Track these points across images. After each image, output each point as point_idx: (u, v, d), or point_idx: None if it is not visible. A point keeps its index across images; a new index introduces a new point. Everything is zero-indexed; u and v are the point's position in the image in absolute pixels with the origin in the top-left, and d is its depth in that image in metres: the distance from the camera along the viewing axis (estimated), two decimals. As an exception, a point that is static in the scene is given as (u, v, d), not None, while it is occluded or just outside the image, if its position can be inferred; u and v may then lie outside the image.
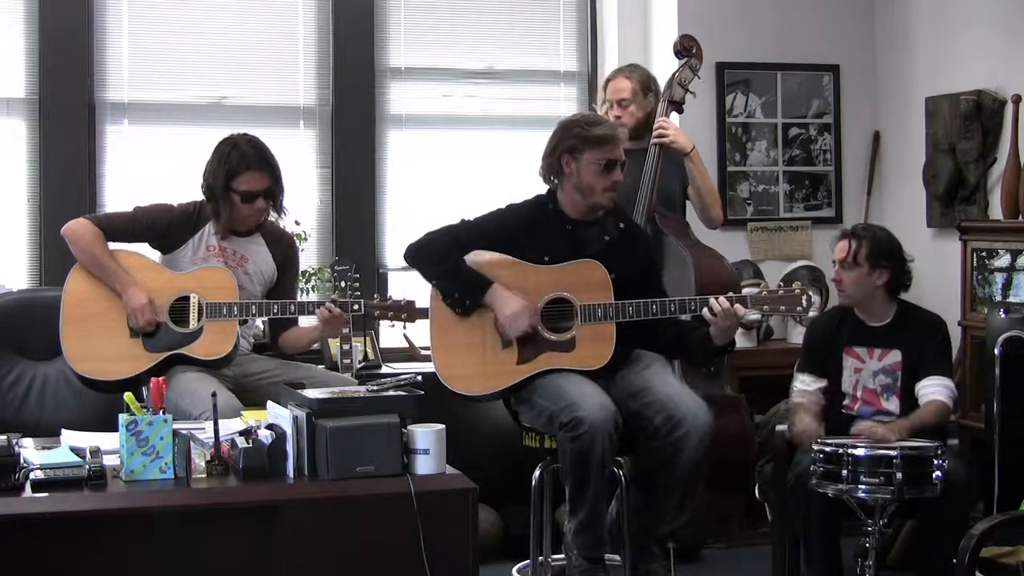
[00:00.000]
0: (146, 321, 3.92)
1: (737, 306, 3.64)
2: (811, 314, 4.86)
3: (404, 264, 5.23)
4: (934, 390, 4.01)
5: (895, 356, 4.11)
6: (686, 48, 4.63)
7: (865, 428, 3.78)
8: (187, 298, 3.97)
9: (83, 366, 3.95)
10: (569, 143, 3.80)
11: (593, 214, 3.85)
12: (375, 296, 4.15)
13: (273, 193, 4.06)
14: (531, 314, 3.72)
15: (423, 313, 3.98)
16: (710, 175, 5.16)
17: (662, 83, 4.68)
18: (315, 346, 4.75)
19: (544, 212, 3.86)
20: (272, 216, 4.18)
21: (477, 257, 3.80)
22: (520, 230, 3.83)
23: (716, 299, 3.66)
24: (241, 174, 4.00)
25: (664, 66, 4.79)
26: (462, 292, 3.76)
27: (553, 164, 3.84)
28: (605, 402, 3.55)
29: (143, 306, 3.92)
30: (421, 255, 3.86)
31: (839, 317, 4.24)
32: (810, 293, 3.71)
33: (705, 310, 3.65)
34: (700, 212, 4.69)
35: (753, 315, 3.79)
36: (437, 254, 3.82)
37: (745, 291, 5.03)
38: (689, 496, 3.69)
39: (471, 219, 3.89)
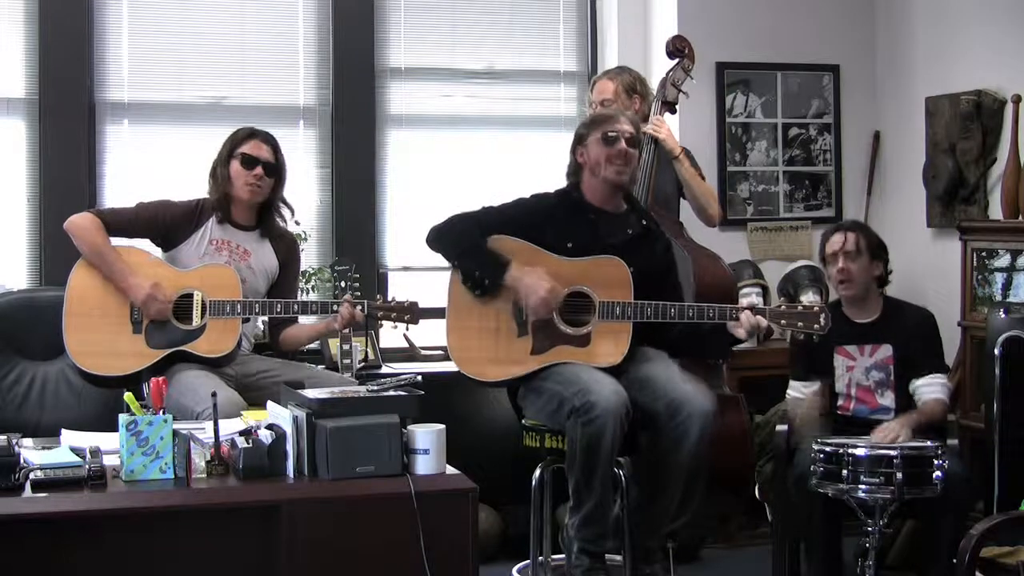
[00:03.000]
0: (157, 310, 3.93)
1: (759, 317, 3.69)
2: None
3: (404, 264, 5.29)
4: (932, 388, 4.04)
5: (886, 351, 4.13)
6: (678, 49, 4.65)
7: (882, 438, 3.77)
8: (190, 295, 3.97)
9: (85, 361, 3.95)
10: (578, 136, 3.95)
11: (613, 199, 3.89)
12: (378, 297, 4.16)
13: (270, 168, 4.10)
14: (557, 296, 3.73)
15: (427, 313, 3.98)
16: (708, 175, 5.18)
17: (656, 84, 4.70)
18: (315, 346, 4.77)
19: (569, 200, 3.91)
20: (278, 217, 4.20)
21: (500, 243, 3.82)
22: (543, 217, 3.87)
23: (739, 312, 3.70)
24: (247, 141, 4.12)
25: (664, 66, 4.79)
26: (482, 271, 3.78)
27: (572, 162, 3.95)
28: (618, 389, 3.57)
29: (149, 296, 3.92)
30: (443, 236, 3.88)
31: None
32: (828, 312, 3.72)
33: (737, 327, 3.68)
34: (698, 212, 4.71)
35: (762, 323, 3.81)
36: (459, 235, 3.84)
37: (744, 290, 5.09)
38: (691, 491, 3.69)
39: (494, 205, 3.91)
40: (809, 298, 5.13)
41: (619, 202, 3.93)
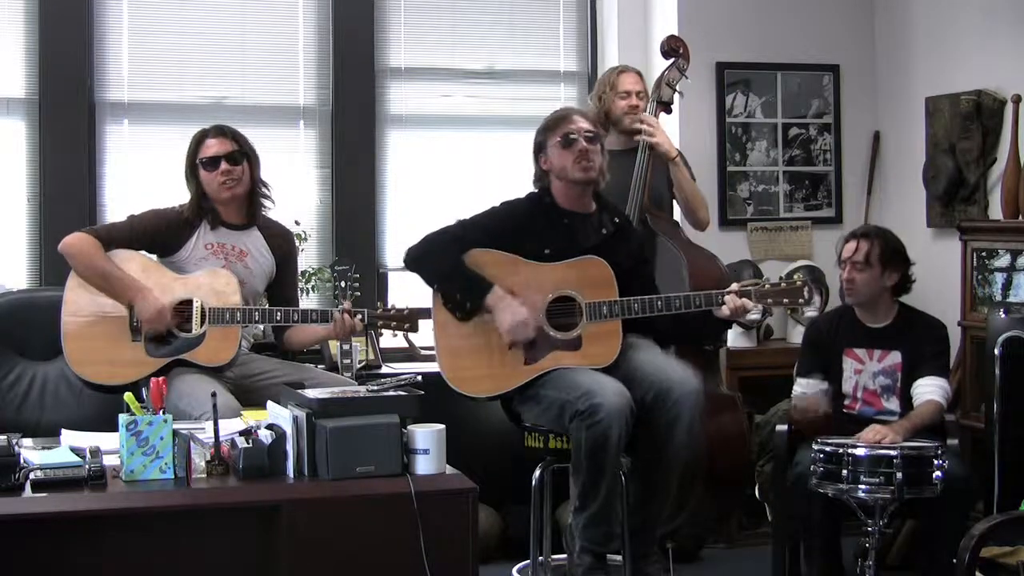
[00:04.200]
0: (165, 327, 3.92)
1: (744, 300, 3.70)
2: (810, 313, 4.90)
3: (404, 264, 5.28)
4: (929, 390, 4.03)
5: (895, 357, 4.12)
6: (673, 49, 4.66)
7: (870, 437, 3.77)
8: (189, 302, 3.96)
9: (85, 369, 3.94)
10: (536, 144, 3.91)
11: (583, 200, 3.86)
12: (378, 306, 4.14)
13: (235, 157, 4.05)
14: (534, 320, 3.72)
15: (427, 313, 3.98)
16: (708, 175, 5.19)
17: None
18: (315, 346, 4.76)
19: (541, 206, 3.89)
20: (266, 206, 4.19)
21: (479, 256, 3.80)
22: (518, 224, 3.85)
23: (724, 295, 3.69)
24: (202, 143, 4.08)
25: (663, 66, 4.79)
26: (463, 295, 3.76)
27: (538, 170, 3.93)
28: (621, 389, 3.56)
29: (157, 314, 3.91)
30: (421, 260, 3.85)
31: (838, 318, 4.25)
32: (811, 285, 3.74)
33: (723, 308, 3.69)
34: (687, 215, 4.73)
35: (753, 315, 3.81)
36: (437, 258, 3.81)
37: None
38: (686, 484, 3.68)
39: (468, 218, 3.89)
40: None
41: (589, 202, 3.90)
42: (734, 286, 3.74)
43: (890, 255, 4.13)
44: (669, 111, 4.66)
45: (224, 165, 4.04)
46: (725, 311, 3.71)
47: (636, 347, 3.79)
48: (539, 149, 3.89)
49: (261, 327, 4.52)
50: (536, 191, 3.95)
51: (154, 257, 4.10)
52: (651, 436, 3.64)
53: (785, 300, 3.77)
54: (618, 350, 3.72)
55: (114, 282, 3.95)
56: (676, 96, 4.67)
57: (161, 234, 4.06)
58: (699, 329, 3.89)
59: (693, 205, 4.66)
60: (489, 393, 3.79)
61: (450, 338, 3.80)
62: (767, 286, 3.80)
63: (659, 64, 4.81)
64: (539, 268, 3.79)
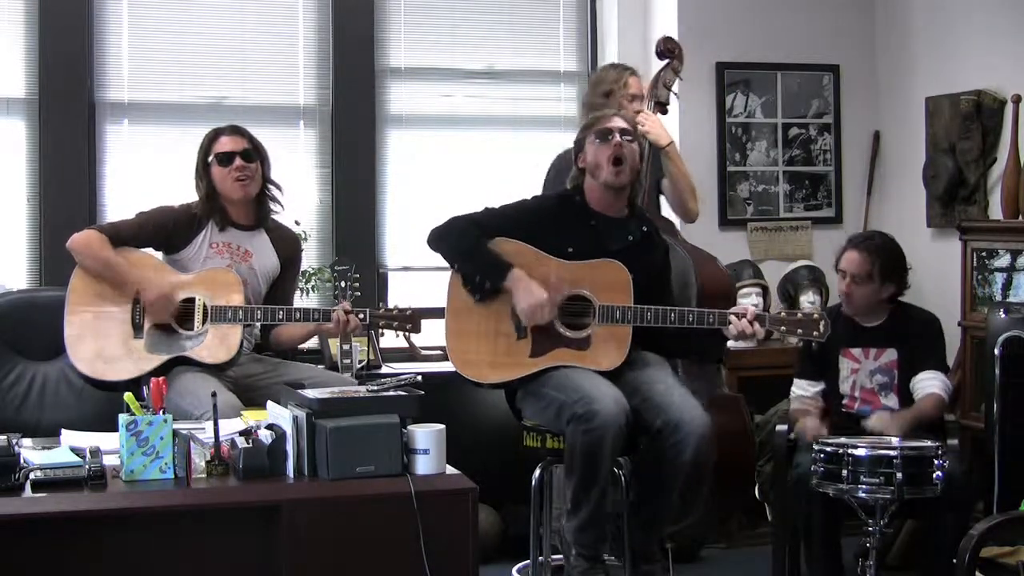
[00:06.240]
0: (168, 314, 3.93)
1: (744, 322, 3.66)
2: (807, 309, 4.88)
3: (404, 264, 5.29)
4: (929, 384, 4.05)
5: (891, 355, 4.13)
6: (668, 50, 4.64)
7: (874, 423, 3.76)
8: (192, 300, 3.96)
9: (86, 365, 3.94)
10: (576, 143, 3.92)
11: (615, 204, 3.85)
12: (380, 306, 4.14)
13: (249, 155, 4.07)
14: (552, 306, 3.72)
15: (427, 313, 3.98)
16: (708, 175, 5.18)
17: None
18: (315, 346, 4.76)
19: (571, 204, 3.89)
20: (275, 209, 4.19)
21: (500, 246, 3.80)
22: (545, 220, 3.85)
23: (736, 317, 3.67)
24: (216, 140, 4.08)
25: (660, 67, 4.80)
26: (483, 275, 3.76)
27: (575, 171, 3.92)
28: (619, 397, 3.55)
29: (163, 296, 3.92)
30: (443, 238, 3.85)
31: (833, 319, 4.24)
32: (828, 320, 3.70)
33: (730, 328, 3.66)
34: (677, 206, 4.63)
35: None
36: (459, 237, 3.82)
37: (744, 290, 5.09)
38: (692, 497, 3.67)
39: (496, 207, 3.90)
40: (809, 298, 5.14)
41: (621, 206, 3.90)
42: (750, 310, 3.70)
43: (890, 269, 4.12)
44: (665, 112, 4.65)
45: (239, 161, 4.04)
46: (732, 331, 3.67)
47: (650, 364, 3.78)
48: (578, 148, 3.90)
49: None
50: (568, 189, 3.95)
51: (160, 256, 4.11)
52: (653, 450, 3.63)
53: (799, 331, 3.71)
54: (624, 356, 3.71)
55: (119, 270, 3.97)
56: (672, 96, 4.66)
57: (168, 231, 4.07)
58: (702, 343, 3.85)
59: (685, 196, 4.58)
60: (490, 380, 3.79)
61: (460, 322, 3.80)
62: (783, 314, 3.77)
63: (658, 64, 4.81)
64: (558, 264, 3.78)
